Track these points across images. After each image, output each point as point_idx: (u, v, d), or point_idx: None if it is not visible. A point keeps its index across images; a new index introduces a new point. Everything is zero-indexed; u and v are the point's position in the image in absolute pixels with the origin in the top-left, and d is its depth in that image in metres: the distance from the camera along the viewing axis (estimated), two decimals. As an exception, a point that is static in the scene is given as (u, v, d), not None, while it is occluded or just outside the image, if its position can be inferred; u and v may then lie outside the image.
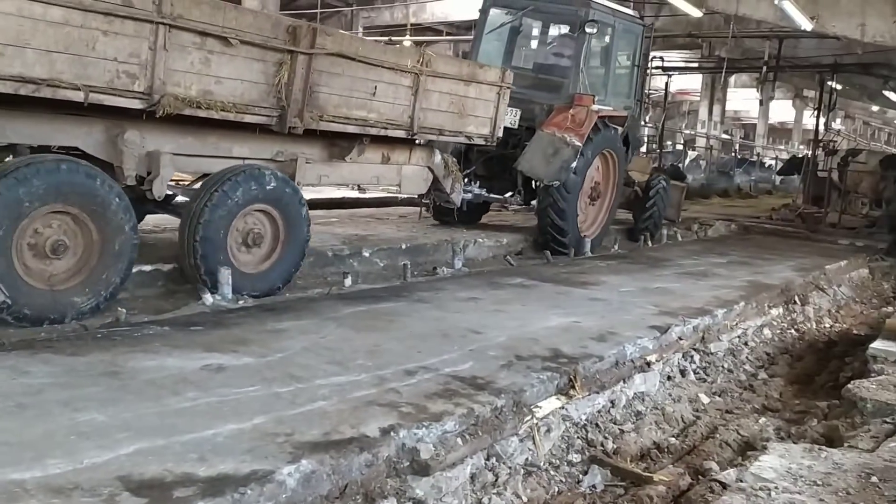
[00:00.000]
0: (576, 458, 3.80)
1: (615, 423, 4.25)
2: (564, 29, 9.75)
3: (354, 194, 9.93)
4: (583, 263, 8.37)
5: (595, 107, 8.92)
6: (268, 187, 5.60)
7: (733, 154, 34.20)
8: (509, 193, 9.49)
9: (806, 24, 11.95)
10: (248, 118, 5.51)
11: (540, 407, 3.80)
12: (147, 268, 5.65)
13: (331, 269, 7.38)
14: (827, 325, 7.71)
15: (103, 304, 4.76)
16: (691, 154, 29.31)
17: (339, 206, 10.94)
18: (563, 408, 3.94)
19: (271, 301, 5.37)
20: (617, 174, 9.93)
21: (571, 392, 4.04)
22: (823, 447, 3.33)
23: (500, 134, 8.11)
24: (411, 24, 23.31)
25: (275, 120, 5.67)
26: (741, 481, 2.97)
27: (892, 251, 13.08)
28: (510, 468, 3.45)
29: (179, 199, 6.08)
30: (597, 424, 4.14)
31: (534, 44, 10.47)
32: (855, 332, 7.39)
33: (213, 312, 4.86)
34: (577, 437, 3.96)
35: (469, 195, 8.69)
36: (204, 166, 5.75)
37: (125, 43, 4.63)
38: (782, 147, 43.74)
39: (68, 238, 4.61)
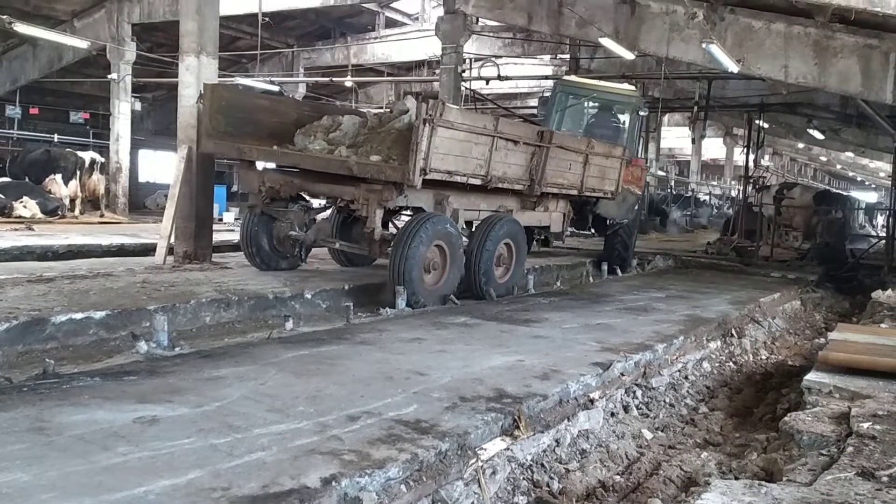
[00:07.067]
0: (522, 500, 3.76)
1: (560, 463, 4.23)
2: (620, 109, 13.31)
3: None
4: (525, 301, 8.42)
5: (645, 165, 13.14)
6: (512, 227, 8.94)
7: (669, 190, 35.14)
8: (591, 231, 13.25)
9: (732, 67, 12.45)
10: (516, 187, 8.94)
11: (485, 449, 3.76)
12: (78, 315, 5.46)
13: (272, 313, 7.27)
14: (763, 357, 7.89)
15: (451, 295, 8.04)
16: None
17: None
18: (508, 449, 3.90)
19: (209, 347, 5.23)
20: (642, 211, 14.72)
21: (516, 432, 4.01)
22: (763, 482, 3.36)
23: (620, 190, 11.37)
24: (352, 66, 23.45)
25: (526, 187, 9.04)
26: (685, 519, 2.97)
27: (822, 283, 13.56)
28: (456, 514, 3.39)
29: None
30: (542, 464, 4.11)
31: (593, 119, 13.59)
32: (790, 363, 7.58)
33: (148, 361, 4.70)
34: (523, 479, 3.92)
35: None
36: (466, 215, 8.84)
37: (480, 149, 7.97)
38: (715, 183, 45.17)
39: (439, 260, 7.97)
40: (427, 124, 7.07)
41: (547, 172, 9.21)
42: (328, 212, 9.56)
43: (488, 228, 8.59)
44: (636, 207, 12.55)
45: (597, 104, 13.59)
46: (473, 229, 8.95)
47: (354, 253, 9.20)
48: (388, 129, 8.41)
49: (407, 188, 7.47)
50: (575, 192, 10.27)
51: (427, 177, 7.28)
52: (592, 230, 13.30)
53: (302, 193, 8.83)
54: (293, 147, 8.71)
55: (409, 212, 8.62)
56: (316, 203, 9.75)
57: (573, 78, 15.01)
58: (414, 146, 7.10)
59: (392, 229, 9.02)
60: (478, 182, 8.18)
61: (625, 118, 13.22)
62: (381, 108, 25.00)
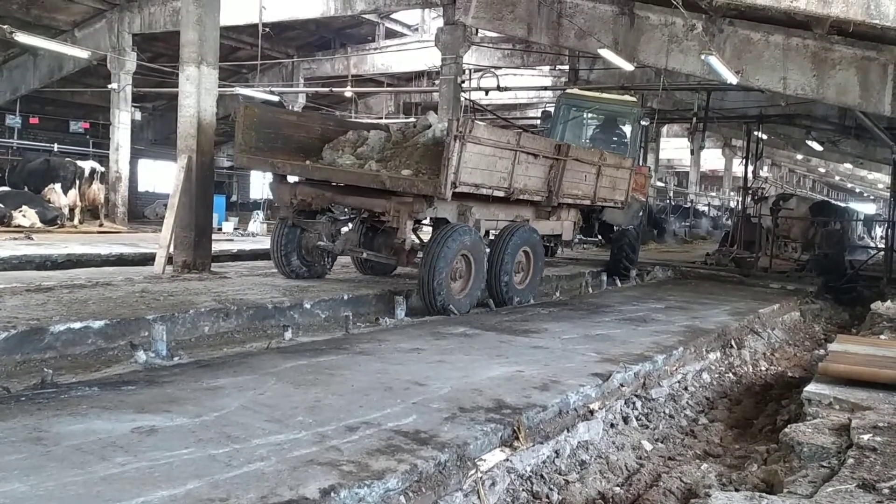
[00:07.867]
0: (521, 511, 3.74)
1: (560, 474, 4.21)
2: (622, 120, 13.74)
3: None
4: (525, 311, 8.41)
5: (649, 172, 13.93)
6: (530, 235, 9.42)
7: (668, 201, 35.18)
8: (598, 237, 13.94)
9: (731, 78, 12.48)
10: (535, 198, 9.41)
11: (484, 460, 3.74)
12: (76, 325, 5.44)
13: (270, 322, 7.26)
14: (763, 368, 7.87)
15: (476, 302, 8.51)
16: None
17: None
18: (507, 460, 3.88)
19: (208, 357, 5.22)
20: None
21: (516, 443, 4.00)
22: (764, 494, 3.35)
23: (629, 200, 11.80)
24: (352, 76, 23.51)
25: (544, 198, 9.49)
26: (685, 531, 2.96)
27: (821, 294, 13.56)
28: (455, 525, 3.37)
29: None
30: (542, 476, 4.09)
31: (597, 130, 14.08)
32: (790, 374, 7.56)
33: (146, 371, 4.69)
34: (523, 490, 3.90)
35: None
36: (486, 225, 9.18)
37: (504, 163, 8.36)
38: (714, 194, 45.23)
39: (465, 268, 8.36)
40: (457, 140, 7.44)
41: (563, 184, 9.62)
42: (351, 223, 9.80)
43: (509, 237, 8.97)
44: (640, 213, 13.10)
45: (601, 115, 13.97)
46: (493, 238, 9.26)
47: (379, 262, 9.62)
48: (413, 144, 8.72)
49: (437, 200, 7.85)
50: (588, 202, 10.67)
51: (456, 190, 7.66)
52: (599, 237, 13.80)
53: (332, 206, 9.12)
54: (322, 161, 8.98)
55: (429, 221, 8.89)
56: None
57: (576, 91, 15.40)
58: (445, 161, 7.46)
59: (415, 239, 9.17)
60: (501, 194, 8.55)
61: (627, 128, 13.62)
62: (381, 118, 25.06)
